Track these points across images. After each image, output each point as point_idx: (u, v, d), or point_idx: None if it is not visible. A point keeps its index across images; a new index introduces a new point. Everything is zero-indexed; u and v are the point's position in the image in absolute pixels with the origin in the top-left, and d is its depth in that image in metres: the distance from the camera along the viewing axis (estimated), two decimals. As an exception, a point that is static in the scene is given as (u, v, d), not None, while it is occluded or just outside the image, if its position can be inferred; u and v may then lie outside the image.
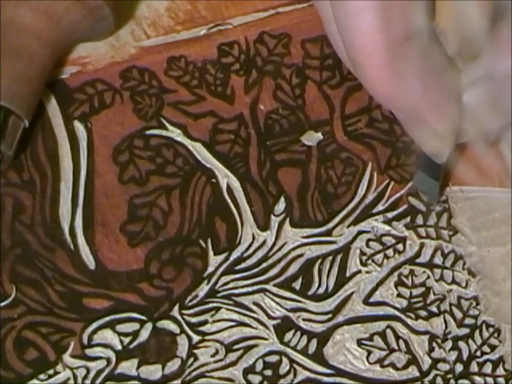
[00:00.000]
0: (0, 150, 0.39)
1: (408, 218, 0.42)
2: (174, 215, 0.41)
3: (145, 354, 0.39)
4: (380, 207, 0.42)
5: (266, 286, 0.41)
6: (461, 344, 0.41)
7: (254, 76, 0.43)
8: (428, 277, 0.41)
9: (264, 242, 0.41)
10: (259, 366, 0.40)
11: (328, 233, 0.41)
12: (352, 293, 0.41)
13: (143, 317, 0.40)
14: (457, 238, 0.42)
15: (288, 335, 0.40)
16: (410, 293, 0.41)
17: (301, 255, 0.41)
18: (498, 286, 0.41)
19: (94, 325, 0.39)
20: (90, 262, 0.40)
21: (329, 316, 0.41)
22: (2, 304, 0.39)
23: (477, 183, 0.42)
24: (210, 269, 0.40)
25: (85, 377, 0.39)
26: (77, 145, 0.41)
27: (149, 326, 0.39)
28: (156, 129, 0.42)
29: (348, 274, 0.41)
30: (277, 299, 0.40)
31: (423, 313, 0.41)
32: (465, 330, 0.41)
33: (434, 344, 0.41)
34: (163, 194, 0.41)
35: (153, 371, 0.39)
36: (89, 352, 0.39)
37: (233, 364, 0.40)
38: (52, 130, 0.41)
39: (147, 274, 0.40)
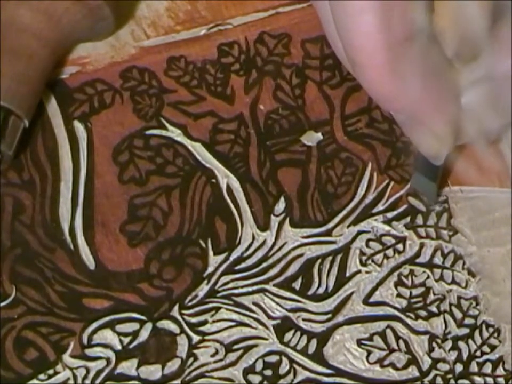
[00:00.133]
0: (0, 150, 0.39)
1: (408, 218, 0.42)
2: (174, 215, 0.41)
3: (145, 354, 0.39)
4: (380, 207, 0.42)
5: (266, 286, 0.41)
6: (461, 344, 0.41)
7: (254, 76, 0.43)
8: (428, 277, 0.41)
9: (264, 242, 0.41)
10: (259, 366, 0.40)
11: (328, 233, 0.41)
12: (352, 293, 0.41)
13: (143, 317, 0.40)
14: (457, 238, 0.42)
15: (288, 335, 0.40)
16: (410, 293, 0.41)
17: (301, 255, 0.41)
18: (498, 286, 0.41)
19: (94, 325, 0.39)
20: (90, 262, 0.40)
21: (329, 315, 0.41)
22: (2, 304, 0.39)
23: (477, 183, 0.42)
24: (210, 269, 0.40)
25: (84, 377, 0.39)
26: (77, 145, 0.41)
27: (148, 326, 0.39)
28: (155, 129, 0.42)
29: (347, 274, 0.41)
30: (276, 299, 0.40)
31: (423, 313, 0.41)
32: (465, 330, 0.41)
33: (434, 344, 0.41)
34: (163, 194, 0.41)
35: (153, 371, 0.39)
36: (89, 352, 0.39)
37: (233, 364, 0.40)
38: (51, 130, 0.41)
39: (147, 274, 0.40)
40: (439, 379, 0.40)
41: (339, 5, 0.35)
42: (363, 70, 0.35)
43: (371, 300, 0.41)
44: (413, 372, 0.40)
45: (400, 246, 0.42)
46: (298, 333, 0.40)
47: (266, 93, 0.43)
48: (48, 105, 0.42)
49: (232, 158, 0.42)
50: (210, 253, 0.41)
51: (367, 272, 0.41)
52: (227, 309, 0.40)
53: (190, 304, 0.40)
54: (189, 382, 0.39)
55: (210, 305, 0.40)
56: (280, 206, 0.42)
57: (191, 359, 0.39)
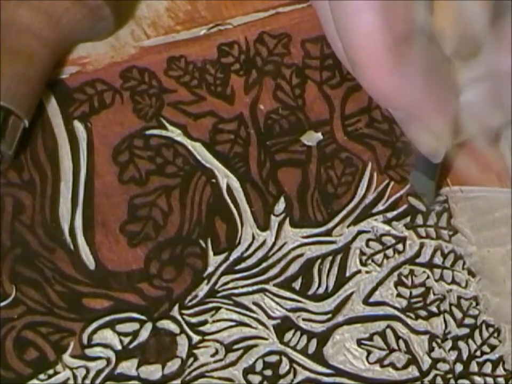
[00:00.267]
0: (0, 150, 0.39)
1: (408, 218, 0.42)
2: (174, 215, 0.41)
3: (145, 354, 0.39)
4: (380, 207, 0.42)
5: (266, 286, 0.41)
6: (461, 344, 0.41)
7: (254, 75, 0.43)
8: (428, 277, 0.41)
9: (264, 242, 0.41)
10: (259, 366, 0.40)
11: (328, 233, 0.41)
12: (352, 293, 0.41)
13: (143, 317, 0.40)
14: (457, 238, 0.42)
15: (288, 335, 0.40)
16: (410, 293, 0.41)
17: (301, 255, 0.41)
18: (498, 286, 0.41)
19: (94, 325, 0.39)
20: (90, 262, 0.40)
21: (329, 315, 0.41)
22: (2, 304, 0.39)
23: (477, 183, 0.42)
24: (210, 269, 0.40)
25: (84, 377, 0.39)
26: (77, 145, 0.41)
27: (148, 326, 0.39)
28: (155, 129, 0.42)
29: (347, 274, 0.41)
30: (276, 299, 0.40)
31: (423, 313, 0.41)
32: (465, 330, 0.41)
33: (434, 344, 0.41)
34: (163, 194, 0.41)
35: (153, 371, 0.39)
36: (89, 352, 0.39)
37: (233, 363, 0.40)
38: (51, 130, 0.41)
39: (147, 274, 0.40)
40: (439, 379, 0.40)
41: (339, 5, 0.35)
42: (363, 70, 0.35)
43: (371, 299, 0.41)
44: (413, 371, 0.40)
45: (400, 246, 0.42)
46: (298, 333, 0.40)
47: (266, 93, 0.43)
48: (48, 105, 0.42)
49: (232, 158, 0.42)
50: (210, 253, 0.41)
51: (367, 272, 0.41)
52: (227, 309, 0.40)
53: (190, 304, 0.40)
54: (189, 382, 0.39)
55: (210, 305, 0.40)
56: (280, 206, 0.42)
57: (191, 359, 0.39)
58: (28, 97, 0.40)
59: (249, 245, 0.41)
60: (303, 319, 0.40)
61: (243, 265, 0.41)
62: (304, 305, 0.41)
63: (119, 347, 0.39)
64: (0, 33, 0.39)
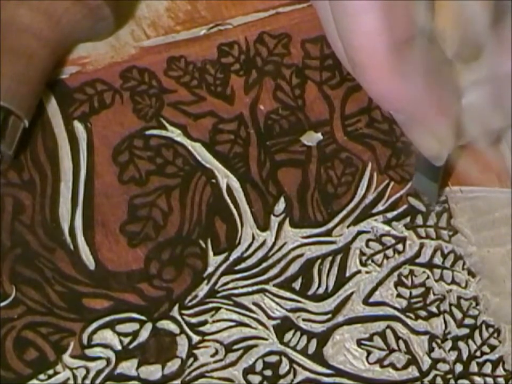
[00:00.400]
0: (0, 150, 0.39)
1: (408, 219, 0.42)
2: (174, 215, 0.41)
3: (145, 354, 0.39)
4: (380, 207, 0.42)
5: (266, 286, 0.41)
6: (461, 344, 0.41)
7: (254, 76, 0.43)
8: (428, 277, 0.41)
9: (264, 243, 0.41)
10: (259, 366, 0.40)
11: (328, 233, 0.41)
12: (352, 293, 0.41)
13: (143, 317, 0.40)
14: (457, 238, 0.42)
15: (288, 335, 0.40)
16: (410, 293, 0.41)
17: (300, 255, 0.41)
18: (498, 286, 0.41)
19: (94, 325, 0.39)
20: (90, 262, 0.40)
21: (329, 316, 0.41)
22: (2, 304, 0.39)
23: (477, 183, 0.42)
24: (210, 269, 0.40)
25: (84, 377, 0.39)
26: (76, 145, 0.41)
27: (148, 326, 0.39)
28: (155, 129, 0.42)
29: (347, 274, 0.41)
30: (276, 299, 0.40)
31: (423, 313, 0.41)
32: (465, 331, 0.41)
33: (434, 344, 0.41)
34: (163, 195, 0.41)
35: (153, 371, 0.39)
36: (89, 352, 0.39)
37: (233, 364, 0.40)
38: (51, 130, 0.41)
39: (147, 274, 0.40)
40: (439, 379, 0.40)
41: (339, 5, 0.35)
42: (363, 70, 0.35)
43: (371, 300, 0.41)
44: (412, 372, 0.40)
45: (400, 246, 0.42)
46: (298, 333, 0.40)
47: (266, 93, 0.43)
48: (48, 105, 0.42)
49: (232, 158, 0.42)
50: (210, 253, 0.41)
51: (367, 272, 0.41)
52: (227, 309, 0.40)
53: (190, 304, 0.40)
54: (189, 382, 0.39)
55: (210, 305, 0.40)
56: (280, 206, 0.42)
57: (191, 359, 0.39)
58: (28, 97, 0.40)
59: (249, 245, 0.41)
60: (303, 319, 0.40)
61: (243, 265, 0.41)
62: (304, 306, 0.41)
63: (119, 347, 0.39)
64: (0, 33, 0.39)
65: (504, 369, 0.40)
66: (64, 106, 0.42)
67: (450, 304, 0.41)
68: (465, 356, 0.41)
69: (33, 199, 0.40)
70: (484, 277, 0.42)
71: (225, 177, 0.42)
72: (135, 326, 0.39)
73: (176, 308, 0.40)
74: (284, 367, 0.40)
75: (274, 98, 0.43)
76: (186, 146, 0.42)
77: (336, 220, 0.42)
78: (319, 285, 0.41)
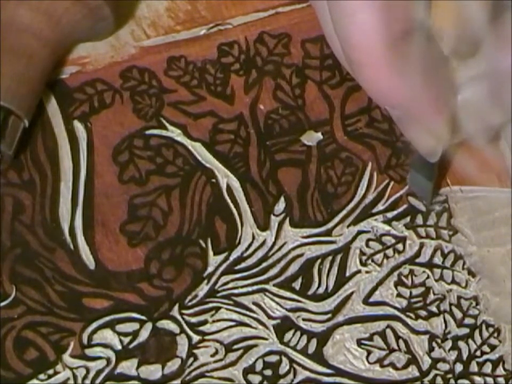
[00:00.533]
0: (0, 150, 0.39)
1: (408, 218, 0.42)
2: (174, 215, 0.41)
3: (145, 354, 0.39)
4: (380, 207, 0.42)
5: (266, 286, 0.41)
6: (461, 344, 0.41)
7: (254, 76, 0.43)
8: (428, 277, 0.41)
9: (264, 242, 0.41)
10: (259, 366, 0.40)
11: (328, 233, 0.41)
12: (352, 293, 0.41)
13: (143, 317, 0.40)
14: (457, 238, 0.42)
15: (288, 335, 0.40)
16: (410, 292, 0.41)
17: (300, 255, 0.41)
18: (498, 286, 0.41)
19: (94, 325, 0.39)
20: (90, 262, 0.40)
21: (329, 315, 0.41)
22: (2, 304, 0.39)
23: (476, 182, 0.42)
24: (210, 269, 0.40)
25: (84, 377, 0.39)
26: (77, 145, 0.41)
27: (148, 326, 0.39)
28: (155, 129, 0.42)
29: (347, 274, 0.41)
30: (276, 299, 0.40)
31: (423, 313, 0.41)
32: (465, 330, 0.41)
33: (434, 344, 0.41)
34: (163, 194, 0.41)
35: (153, 371, 0.39)
36: (89, 352, 0.39)
37: (233, 363, 0.40)
38: (51, 130, 0.41)
39: (147, 274, 0.40)
40: (439, 379, 0.40)
41: (337, 4, 0.35)
42: (361, 69, 0.35)
43: (371, 299, 0.41)
44: (413, 371, 0.40)
45: (400, 246, 0.42)
46: (298, 333, 0.40)
47: (266, 93, 0.43)
48: (48, 105, 0.42)
49: (232, 158, 0.42)
50: (210, 253, 0.41)
51: (367, 272, 0.41)
52: (227, 309, 0.40)
53: (190, 304, 0.40)
54: (189, 382, 0.39)
55: (210, 305, 0.40)
56: (280, 206, 0.42)
57: (191, 359, 0.39)
58: (28, 97, 0.40)
59: (249, 245, 0.41)
60: (303, 319, 0.40)
61: (243, 265, 0.41)
62: (304, 305, 0.41)
63: (119, 347, 0.39)
64: (0, 33, 0.39)
65: (504, 369, 0.40)
66: (64, 106, 0.42)
67: (450, 304, 0.41)
68: (465, 355, 0.41)
69: (33, 199, 0.40)
70: (484, 277, 0.42)
71: (225, 177, 0.42)
72: (135, 325, 0.39)
73: (176, 307, 0.40)
74: (284, 366, 0.40)
75: (274, 98, 0.43)
76: (186, 146, 0.42)
77: (336, 219, 0.42)
78: (319, 285, 0.41)
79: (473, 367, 0.40)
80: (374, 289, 0.41)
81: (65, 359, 0.39)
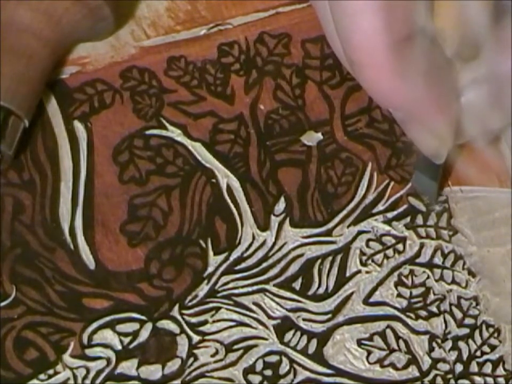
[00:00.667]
0: (0, 150, 0.39)
1: (408, 218, 0.42)
2: (174, 215, 0.41)
3: (145, 354, 0.39)
4: (380, 207, 0.42)
5: (266, 286, 0.41)
6: (461, 344, 0.41)
7: (254, 75, 0.43)
8: (428, 277, 0.41)
9: (264, 242, 0.41)
10: (259, 366, 0.40)
11: (328, 233, 0.41)
12: (352, 293, 0.41)
13: (143, 317, 0.40)
14: (457, 238, 0.42)
15: (288, 335, 0.40)
16: (410, 293, 0.41)
17: (301, 255, 0.41)
18: (498, 286, 0.41)
19: (94, 325, 0.39)
20: (90, 262, 0.40)
21: (329, 316, 0.41)
22: (2, 304, 0.39)
23: (477, 183, 0.42)
24: (210, 269, 0.40)
25: (85, 377, 0.39)
26: (77, 145, 0.41)
27: (149, 326, 0.39)
28: (155, 129, 0.42)
29: (347, 274, 0.41)
30: (277, 299, 0.40)
31: (423, 313, 0.41)
32: (465, 330, 0.41)
33: (434, 344, 0.41)
34: (163, 194, 0.41)
35: (153, 371, 0.39)
36: (89, 352, 0.39)
37: (233, 364, 0.40)
38: (52, 130, 0.41)
39: (147, 274, 0.40)
40: (439, 379, 0.40)
41: (338, 5, 0.35)
42: (363, 70, 0.35)
43: (371, 299, 0.41)
44: (413, 371, 0.40)
45: (400, 246, 0.42)
46: (298, 333, 0.40)
47: (266, 93, 0.43)
48: (48, 105, 0.42)
49: (232, 158, 0.42)
50: (210, 253, 0.41)
51: (367, 272, 0.41)
52: (227, 309, 0.40)
53: (190, 304, 0.40)
54: (189, 382, 0.39)
55: (211, 305, 0.40)
56: (280, 206, 0.42)
57: (191, 359, 0.39)
58: (28, 97, 0.40)
59: (249, 245, 0.41)
60: (303, 319, 0.40)
61: (243, 265, 0.41)
62: (304, 305, 0.40)
63: (119, 347, 0.39)
64: (0, 33, 0.39)
65: (505, 369, 0.40)
66: (64, 106, 0.42)
67: (450, 304, 0.41)
68: (465, 355, 0.41)
69: (33, 199, 0.40)
70: (484, 277, 0.42)
71: (225, 177, 0.42)
72: (135, 325, 0.39)
73: (176, 307, 0.40)
74: (284, 367, 0.40)
75: (275, 98, 0.43)
76: (186, 146, 0.42)
77: (336, 219, 0.42)
78: (319, 285, 0.41)
79: (473, 367, 0.40)
80: (374, 289, 0.41)
81: (65, 359, 0.39)
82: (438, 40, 0.35)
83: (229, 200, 0.41)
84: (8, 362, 0.38)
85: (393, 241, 0.42)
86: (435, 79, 0.36)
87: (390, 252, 0.42)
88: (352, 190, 0.42)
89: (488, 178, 0.43)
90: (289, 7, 0.44)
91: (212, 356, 0.40)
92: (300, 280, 0.41)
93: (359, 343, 0.40)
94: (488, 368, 0.41)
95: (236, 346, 0.40)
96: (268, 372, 0.40)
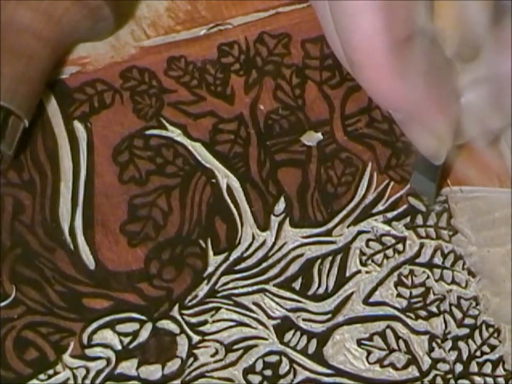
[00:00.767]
0: (0, 150, 0.39)
1: (408, 218, 0.42)
2: (174, 215, 0.41)
3: (145, 354, 0.39)
4: (380, 207, 0.42)
5: (266, 286, 0.41)
6: (461, 344, 0.41)
7: (254, 75, 0.43)
8: (428, 277, 0.41)
9: (264, 242, 0.41)
10: (259, 366, 0.40)
11: (328, 233, 0.41)
12: (352, 293, 0.41)
13: (143, 317, 0.40)
14: (457, 238, 0.42)
15: (288, 335, 0.40)
16: (410, 293, 0.41)
17: (300, 255, 0.41)
18: (498, 286, 0.41)
19: (94, 325, 0.39)
20: (90, 262, 0.40)
21: (329, 316, 0.41)
22: (2, 304, 0.39)
23: (477, 183, 0.42)
24: (210, 269, 0.40)
25: (84, 377, 0.39)
26: (77, 145, 0.41)
27: (148, 326, 0.39)
28: (155, 129, 0.42)
29: (347, 274, 0.41)
30: (276, 299, 0.40)
31: (423, 313, 0.41)
32: (465, 330, 0.41)
33: (434, 344, 0.41)
34: (163, 194, 0.41)
35: (153, 371, 0.39)
36: (89, 352, 0.39)
37: (233, 364, 0.40)
38: (51, 130, 0.41)
39: (147, 274, 0.40)
40: (439, 379, 0.40)
41: (338, 5, 0.35)
42: (362, 70, 0.35)
43: (371, 300, 0.41)
44: (413, 371, 0.40)
45: (400, 246, 0.42)
46: (298, 333, 0.40)
47: (266, 93, 0.43)
48: (48, 105, 0.42)
49: (232, 158, 0.42)
50: (210, 253, 0.41)
51: (367, 272, 0.41)
52: (227, 309, 0.40)
53: (190, 304, 0.40)
54: (189, 382, 0.39)
55: (210, 305, 0.40)
56: (280, 206, 0.42)
57: (191, 359, 0.39)
58: (28, 97, 0.40)
59: (249, 245, 0.41)
60: (303, 319, 0.40)
61: (243, 265, 0.41)
62: (304, 305, 0.41)
63: (119, 347, 0.39)
64: (0, 33, 0.39)
65: (504, 369, 0.40)
66: (64, 106, 0.42)
67: (450, 304, 0.41)
68: (465, 355, 0.41)
69: (33, 199, 0.40)
70: (484, 277, 0.42)
71: (225, 177, 0.42)
72: (135, 326, 0.39)
73: (176, 307, 0.40)
74: (284, 367, 0.40)
75: (275, 98, 0.43)
76: (186, 146, 0.42)
77: (336, 219, 0.42)
78: (319, 285, 0.41)
79: (473, 367, 0.40)
80: (374, 289, 0.41)
81: (65, 359, 0.39)
82: (438, 40, 0.35)
83: (229, 200, 0.41)
84: (8, 362, 0.38)
85: (393, 241, 0.42)
86: (435, 80, 0.36)
87: (390, 252, 0.42)
88: (352, 190, 0.42)
89: (488, 178, 0.43)
90: (289, 7, 0.44)
91: (212, 356, 0.40)
92: (299, 280, 0.41)
93: (359, 343, 0.40)
94: (488, 368, 0.41)
95: (235, 346, 0.40)
96: (268, 372, 0.40)
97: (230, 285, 0.40)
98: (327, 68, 0.44)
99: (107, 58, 0.43)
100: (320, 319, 0.40)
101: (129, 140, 0.42)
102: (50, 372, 0.39)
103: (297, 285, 0.41)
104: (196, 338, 0.40)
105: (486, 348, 0.41)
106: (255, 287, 0.40)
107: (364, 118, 0.43)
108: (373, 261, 0.41)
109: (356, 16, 0.34)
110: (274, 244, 0.41)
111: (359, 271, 0.41)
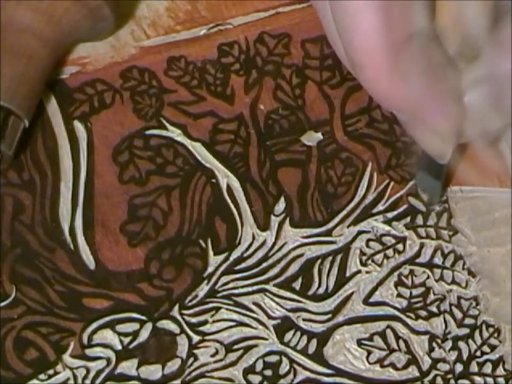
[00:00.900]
0: (0, 150, 0.39)
1: (408, 218, 0.42)
2: (174, 215, 0.41)
3: (145, 354, 0.39)
4: (380, 207, 0.42)
5: (266, 286, 0.41)
6: (461, 344, 0.41)
7: (254, 75, 0.43)
8: (428, 277, 0.41)
9: (264, 242, 0.41)
10: (259, 366, 0.40)
11: (328, 233, 0.41)
12: (352, 293, 0.41)
13: (143, 317, 0.40)
14: (457, 238, 0.42)
15: (288, 335, 0.40)
16: (410, 293, 0.41)
17: (301, 255, 0.41)
18: (498, 286, 0.41)
19: (94, 325, 0.39)
20: (90, 262, 0.40)
21: (329, 316, 0.41)
22: (2, 304, 0.39)
23: (477, 183, 0.42)
24: (210, 269, 0.40)
25: (85, 377, 0.39)
26: (77, 145, 0.41)
27: (149, 326, 0.39)
28: (156, 129, 0.42)
29: (347, 274, 0.41)
30: (277, 299, 0.40)
31: (423, 313, 0.41)
32: (465, 330, 0.41)
33: (434, 344, 0.41)
34: (163, 194, 0.41)
35: (153, 371, 0.39)
36: (89, 352, 0.39)
37: (233, 364, 0.40)
38: (51, 130, 0.41)
39: (147, 274, 0.40)
40: (439, 379, 0.40)
41: (339, 5, 0.35)
42: (363, 70, 0.35)
43: (371, 300, 0.41)
44: (413, 372, 0.40)
45: (400, 246, 0.42)
46: (298, 333, 0.40)
47: (266, 93, 0.43)
48: (48, 105, 0.42)
49: (232, 158, 0.42)
50: (210, 253, 0.41)
51: (367, 272, 0.41)
52: (227, 309, 0.40)
53: (190, 304, 0.40)
54: (189, 382, 0.39)
55: (211, 305, 0.40)
56: (280, 206, 0.42)
57: (191, 359, 0.39)
58: (28, 97, 0.40)
59: (249, 245, 0.41)
60: (303, 319, 0.40)
61: (243, 265, 0.41)
62: (304, 305, 0.41)
63: (119, 347, 0.39)
64: (0, 33, 0.39)
65: (504, 369, 0.40)
66: (64, 106, 0.42)
67: (450, 304, 0.41)
68: (465, 355, 0.41)
69: (33, 199, 0.40)
70: (484, 277, 0.42)
71: (225, 177, 0.42)
72: (135, 326, 0.39)
73: (176, 307, 0.40)
74: (284, 367, 0.40)
75: (275, 98, 0.43)
76: (186, 146, 0.42)
77: (336, 219, 0.42)
78: (319, 285, 0.41)
79: (473, 367, 0.40)
80: (374, 289, 0.41)
81: (65, 359, 0.39)
82: (441, 39, 0.35)
83: (229, 200, 0.41)
84: (8, 362, 0.38)
85: (393, 241, 0.42)
86: (436, 79, 0.36)
87: (390, 252, 0.42)
88: (352, 190, 0.42)
89: (488, 178, 0.43)
90: (289, 7, 0.44)
91: (212, 356, 0.40)
92: (299, 280, 0.41)
93: (359, 343, 0.40)
94: (488, 368, 0.41)
95: (235, 346, 0.40)
96: (268, 372, 0.40)
97: (230, 285, 0.40)
98: (327, 68, 0.44)
99: (107, 58, 0.43)
100: (320, 319, 0.40)
101: (129, 139, 0.42)
102: (51, 372, 0.39)
103: (297, 285, 0.41)
104: (196, 338, 0.40)
105: (486, 348, 0.41)
106: (255, 287, 0.40)
107: (364, 118, 0.43)
108: (373, 261, 0.41)
109: (356, 16, 0.34)
110: (274, 243, 0.41)
111: (359, 271, 0.41)
